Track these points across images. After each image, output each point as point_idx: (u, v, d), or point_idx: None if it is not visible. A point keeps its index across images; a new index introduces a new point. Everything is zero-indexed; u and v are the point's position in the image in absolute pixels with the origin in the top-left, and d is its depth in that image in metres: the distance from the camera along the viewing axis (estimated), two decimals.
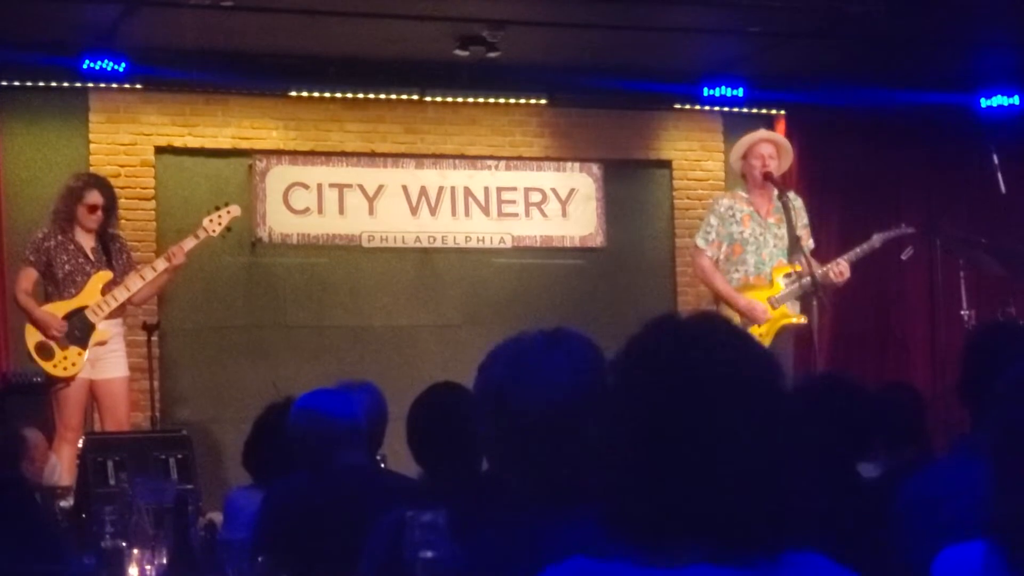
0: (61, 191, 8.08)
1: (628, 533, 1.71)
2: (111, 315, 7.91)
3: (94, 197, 7.96)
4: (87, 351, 7.82)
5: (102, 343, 7.86)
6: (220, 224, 8.30)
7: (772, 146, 8.22)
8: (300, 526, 3.90)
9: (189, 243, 8.13)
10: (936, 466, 3.45)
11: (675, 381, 1.72)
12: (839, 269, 8.05)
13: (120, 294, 7.91)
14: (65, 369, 7.78)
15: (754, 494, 1.68)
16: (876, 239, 8.44)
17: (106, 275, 7.92)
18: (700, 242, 8.18)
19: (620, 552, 1.72)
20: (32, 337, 7.81)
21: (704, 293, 8.92)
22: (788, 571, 1.69)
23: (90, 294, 7.88)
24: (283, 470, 4.40)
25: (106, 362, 7.92)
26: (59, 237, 7.90)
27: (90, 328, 7.83)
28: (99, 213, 7.94)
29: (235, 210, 8.41)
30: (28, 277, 7.93)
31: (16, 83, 9.29)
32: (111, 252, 7.97)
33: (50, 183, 8.81)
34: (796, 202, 8.22)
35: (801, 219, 8.18)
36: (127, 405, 8.09)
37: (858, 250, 8.34)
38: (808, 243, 8.19)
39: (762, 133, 8.41)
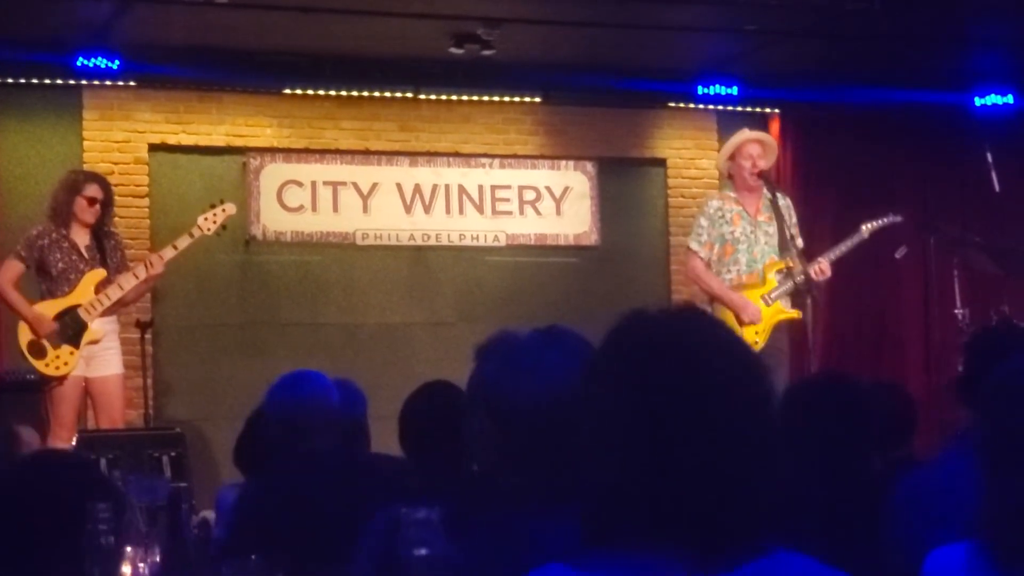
0: (58, 184, 8.06)
1: (606, 538, 1.69)
2: (104, 313, 7.90)
3: (93, 190, 7.95)
4: (80, 350, 7.81)
5: (95, 342, 7.84)
6: (215, 222, 8.28)
7: (759, 146, 8.24)
8: (283, 520, 3.89)
9: (183, 242, 8.10)
10: (934, 462, 3.46)
11: (652, 379, 1.68)
12: (819, 267, 8.05)
13: (113, 293, 7.89)
14: (57, 368, 7.77)
15: (734, 494, 1.65)
16: (864, 229, 8.44)
17: (99, 273, 7.90)
18: (693, 244, 8.22)
19: (598, 560, 1.70)
20: (24, 336, 7.80)
21: (699, 292, 8.92)
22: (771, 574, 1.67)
23: (83, 292, 7.86)
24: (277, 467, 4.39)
25: (100, 360, 7.90)
26: (53, 235, 7.88)
27: (83, 327, 7.82)
28: (97, 207, 7.92)
29: (230, 208, 8.39)
30: (12, 268, 7.91)
31: (10, 80, 9.29)
32: (106, 250, 7.96)
33: (44, 180, 8.81)
34: (784, 201, 8.23)
35: (792, 217, 8.20)
36: (122, 403, 8.08)
37: (843, 245, 8.34)
38: (797, 242, 8.20)
39: (748, 133, 8.40)
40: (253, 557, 2.99)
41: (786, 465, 1.69)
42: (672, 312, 1.81)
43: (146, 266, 7.97)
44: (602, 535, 1.69)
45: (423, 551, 2.22)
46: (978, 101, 10.87)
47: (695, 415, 1.65)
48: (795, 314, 8.08)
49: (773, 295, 8.03)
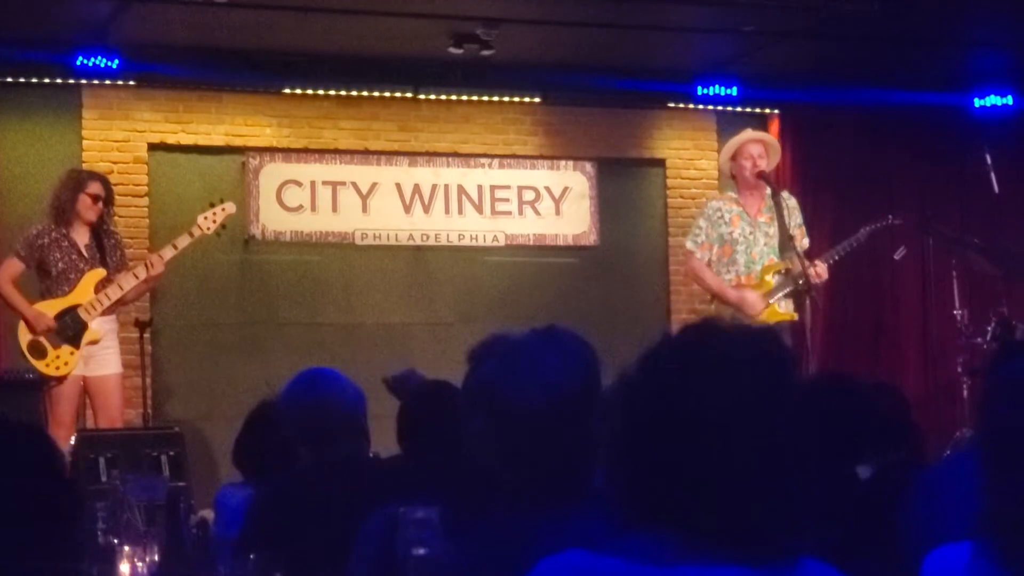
0: (60, 183, 8.03)
1: (640, 524, 1.72)
2: (104, 312, 7.90)
3: (96, 187, 7.96)
4: (80, 350, 7.81)
5: (94, 342, 7.84)
6: (215, 222, 8.27)
7: (761, 145, 8.24)
8: (297, 521, 3.88)
9: (183, 241, 8.09)
10: (944, 464, 3.46)
11: (709, 380, 1.73)
12: (816, 271, 8.03)
13: (113, 292, 7.89)
14: (57, 368, 7.77)
15: (774, 496, 1.68)
16: (863, 232, 8.44)
17: (99, 273, 7.90)
18: (690, 245, 8.23)
19: (617, 547, 1.72)
20: (24, 336, 7.79)
21: (697, 292, 8.93)
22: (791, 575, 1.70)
23: (83, 292, 7.86)
24: (275, 467, 4.38)
25: (100, 359, 7.90)
26: (53, 234, 7.88)
27: (83, 327, 7.81)
28: (100, 205, 7.93)
29: (230, 207, 8.38)
30: (12, 266, 7.91)
31: (9, 79, 9.28)
32: (105, 249, 7.95)
33: (43, 179, 8.80)
34: (790, 201, 8.24)
35: (795, 218, 8.20)
36: (120, 402, 8.07)
37: (841, 247, 8.34)
38: (803, 242, 8.19)
39: (750, 133, 8.42)
40: (252, 556, 2.99)
41: (813, 476, 1.73)
42: (734, 327, 1.86)
43: (146, 266, 7.96)
44: (627, 523, 1.73)
45: (422, 551, 2.23)
46: (977, 102, 10.87)
47: (735, 424, 1.70)
48: (791, 316, 8.08)
49: (768, 295, 8.03)
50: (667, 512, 1.70)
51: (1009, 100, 10.85)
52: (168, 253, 8.03)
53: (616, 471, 1.77)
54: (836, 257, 8.29)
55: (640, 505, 1.72)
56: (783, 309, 8.08)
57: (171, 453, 6.80)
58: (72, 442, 7.16)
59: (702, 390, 1.72)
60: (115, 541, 3.41)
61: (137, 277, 7.93)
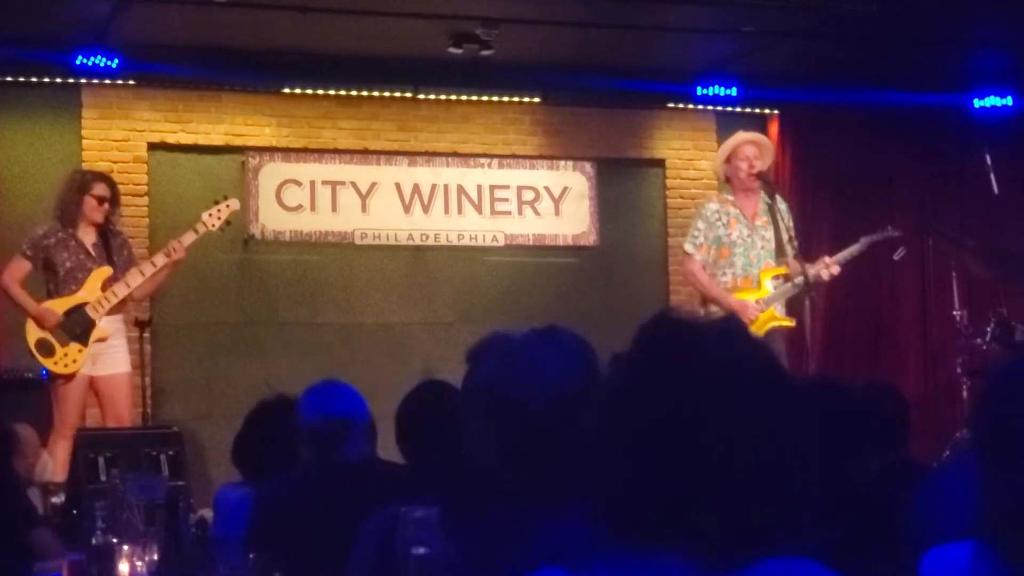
0: (65, 185, 8.04)
1: (617, 533, 1.70)
2: (112, 311, 7.91)
3: (101, 189, 7.97)
4: (88, 348, 7.81)
5: (102, 340, 7.85)
6: (219, 218, 8.28)
7: (755, 147, 8.22)
8: (299, 521, 3.88)
9: (188, 237, 8.10)
10: (945, 463, 3.46)
11: (686, 377, 1.69)
12: (830, 271, 8.04)
13: (120, 290, 7.90)
14: (66, 366, 7.77)
15: (756, 499, 1.66)
16: (864, 241, 8.43)
17: (106, 271, 7.91)
18: (688, 247, 8.20)
19: (595, 564, 1.70)
20: (33, 334, 7.80)
21: (696, 293, 8.92)
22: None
23: (90, 291, 7.87)
24: (275, 466, 4.38)
25: (107, 358, 7.91)
26: (60, 234, 7.89)
27: (91, 325, 7.82)
28: (105, 206, 7.94)
29: (234, 204, 8.40)
30: (20, 268, 7.92)
31: (9, 78, 9.28)
32: (111, 247, 7.97)
33: (43, 179, 8.81)
34: (781, 205, 8.22)
35: (788, 221, 8.19)
36: (130, 400, 8.08)
37: (842, 256, 8.34)
38: (793, 245, 8.19)
39: (744, 135, 8.40)
40: (252, 556, 2.99)
41: (802, 474, 1.71)
42: (707, 319, 1.82)
43: (168, 252, 7.98)
44: (609, 534, 1.70)
45: (421, 550, 2.23)
46: (977, 103, 10.87)
47: (721, 420, 1.66)
48: (789, 322, 8.07)
49: (767, 301, 8.01)
50: (655, 520, 1.68)
51: (1009, 100, 10.85)
52: (189, 238, 8.07)
53: (602, 479, 1.74)
54: (844, 259, 8.28)
55: (626, 515, 1.70)
56: (780, 313, 8.08)
57: (170, 452, 6.79)
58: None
59: (692, 393, 1.68)
60: (115, 540, 3.42)
61: (155, 265, 7.96)
